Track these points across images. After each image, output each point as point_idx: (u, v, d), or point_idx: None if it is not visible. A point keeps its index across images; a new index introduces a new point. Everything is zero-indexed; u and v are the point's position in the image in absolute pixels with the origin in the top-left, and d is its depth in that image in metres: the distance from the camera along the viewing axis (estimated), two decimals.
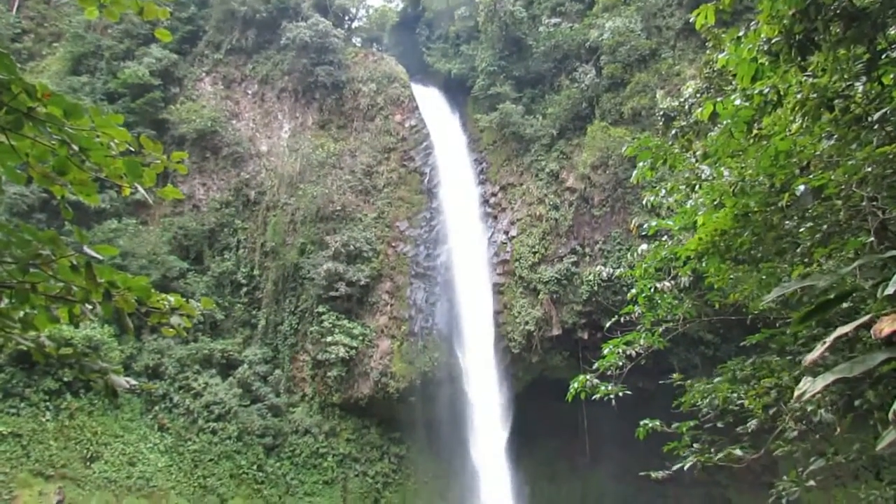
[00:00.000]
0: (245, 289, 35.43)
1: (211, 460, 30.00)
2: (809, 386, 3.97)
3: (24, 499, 24.13)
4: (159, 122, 36.39)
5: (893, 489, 5.43)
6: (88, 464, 26.90)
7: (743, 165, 5.81)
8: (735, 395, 7.58)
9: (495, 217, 33.46)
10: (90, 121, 4.19)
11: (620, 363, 8.62)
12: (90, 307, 4.57)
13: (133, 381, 4.93)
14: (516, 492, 29.87)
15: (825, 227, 5.65)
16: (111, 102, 35.34)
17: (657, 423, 8.76)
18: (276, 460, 31.44)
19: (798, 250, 5.82)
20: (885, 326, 3.59)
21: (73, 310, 4.62)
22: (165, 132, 36.01)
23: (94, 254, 4.43)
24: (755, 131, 5.84)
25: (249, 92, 39.15)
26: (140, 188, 4.64)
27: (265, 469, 30.91)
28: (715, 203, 6.29)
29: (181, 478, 29.06)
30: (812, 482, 6.55)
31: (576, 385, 8.89)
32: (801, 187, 5.33)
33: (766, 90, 5.49)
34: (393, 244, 34.84)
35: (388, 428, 33.42)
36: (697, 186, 6.53)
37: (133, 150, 4.57)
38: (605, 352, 8.68)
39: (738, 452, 7.27)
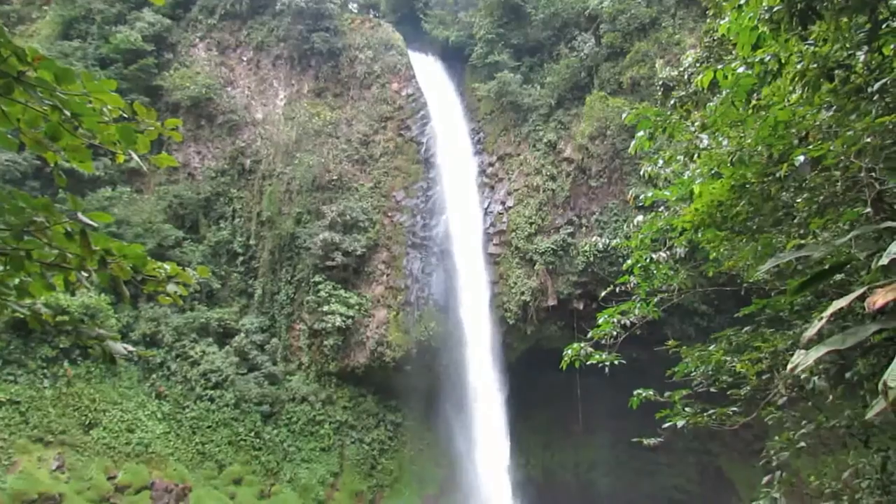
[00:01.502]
0: (241, 258, 35.43)
1: (209, 427, 30.33)
2: (802, 358, 4.01)
3: (24, 464, 24.41)
4: (153, 89, 35.94)
5: (881, 456, 5.53)
6: (87, 430, 27.17)
7: (742, 135, 5.78)
8: (728, 361, 7.66)
9: (492, 187, 33.36)
10: (82, 86, 4.13)
11: (615, 332, 8.67)
12: (86, 275, 4.57)
13: (130, 348, 4.96)
14: (511, 459, 30.32)
15: (822, 197, 5.65)
16: (103, 68, 34.85)
17: (650, 392, 8.85)
18: (274, 427, 31.80)
19: (794, 221, 5.82)
20: (878, 298, 3.61)
21: (68, 277, 4.62)
22: (159, 99, 35.60)
23: (88, 221, 4.41)
24: (754, 101, 5.80)
25: (244, 59, 38.63)
26: (134, 155, 4.60)
27: (263, 436, 31.28)
28: (712, 173, 6.27)
29: (179, 444, 29.41)
30: (803, 443, 6.66)
31: (570, 353, 8.96)
32: (800, 158, 5.31)
33: (767, 58, 5.43)
34: (389, 214, 34.77)
35: (385, 396, 33.77)
36: (696, 156, 6.50)
37: (126, 116, 4.52)
38: (600, 321, 8.73)
39: (730, 411, 7.38)
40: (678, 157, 7.22)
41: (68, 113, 3.96)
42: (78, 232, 4.37)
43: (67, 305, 25.75)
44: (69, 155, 4.47)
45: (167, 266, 4.96)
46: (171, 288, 4.87)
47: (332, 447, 32.23)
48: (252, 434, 31.07)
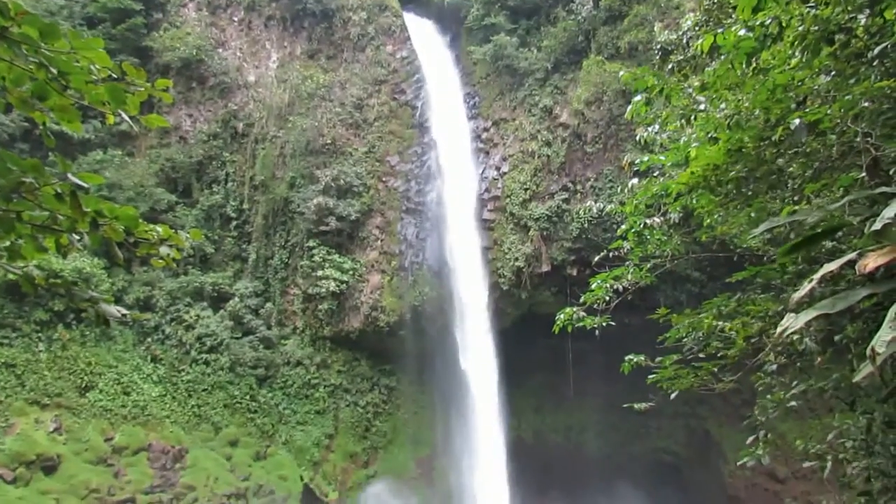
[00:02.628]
0: (235, 222, 35.28)
1: (204, 390, 30.60)
2: (792, 321, 4.04)
3: (22, 426, 24.64)
4: (142, 50, 35.28)
5: (866, 418, 5.64)
6: (83, 393, 27.37)
7: (740, 99, 5.73)
8: (719, 326, 7.73)
9: (487, 153, 33.15)
10: (68, 44, 4.04)
11: (607, 298, 8.72)
12: (77, 237, 4.54)
13: (124, 311, 4.95)
14: (503, 422, 30.76)
15: (817, 163, 5.63)
16: (91, 28, 34.14)
17: (641, 357, 8.94)
18: (269, 391, 32.12)
19: (789, 186, 5.82)
20: (869, 262, 3.63)
21: (60, 240, 4.59)
22: (149, 60, 34.97)
23: (79, 181, 4.37)
24: (753, 65, 5.74)
25: (235, 19, 37.87)
26: (124, 115, 4.53)
27: (258, 399, 31.60)
28: (709, 136, 6.24)
29: (175, 407, 29.69)
30: (793, 403, 6.77)
31: (562, 317, 9.01)
32: (796, 121, 5.28)
33: (768, 21, 5.36)
34: (384, 179, 34.58)
35: (379, 360, 34.07)
36: (693, 118, 6.46)
37: (115, 77, 4.44)
38: (593, 286, 8.77)
39: (714, 369, 7.48)
40: (675, 121, 7.17)
41: (55, 71, 3.88)
42: (68, 193, 4.33)
43: (60, 269, 25.69)
44: (57, 115, 4.40)
45: (159, 228, 4.93)
46: (163, 251, 4.85)
47: (326, 410, 32.62)
48: (247, 397, 31.38)
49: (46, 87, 4.04)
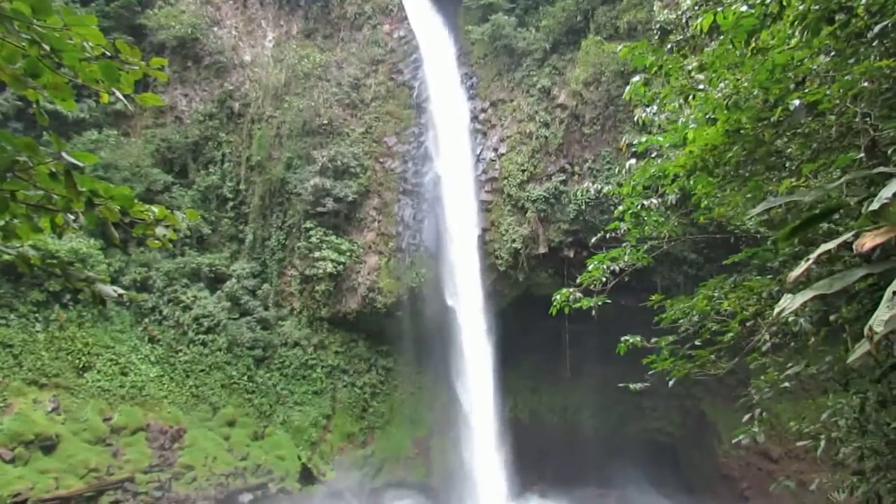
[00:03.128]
0: (231, 203, 35.19)
1: (202, 371, 30.71)
2: (789, 302, 4.05)
3: (20, 406, 24.72)
4: (136, 28, 34.93)
5: (859, 398, 5.68)
6: (81, 373, 27.45)
7: (739, 78, 5.70)
8: (714, 309, 7.76)
9: (484, 134, 33.00)
10: (61, 21, 4.00)
11: (604, 279, 8.73)
12: (73, 217, 4.52)
13: (120, 290, 4.94)
14: (499, 402, 30.96)
15: (816, 144, 5.61)
16: (84, 5, 33.73)
17: (637, 338, 8.97)
18: (266, 371, 32.25)
19: (787, 166, 5.81)
20: (866, 242, 3.63)
21: (55, 219, 4.57)
22: (143, 39, 34.63)
23: (73, 160, 4.34)
24: (753, 44, 5.70)
25: None
26: (118, 93, 4.49)
27: (255, 379, 31.74)
28: (707, 117, 6.21)
29: (173, 387, 29.82)
30: (787, 384, 6.82)
31: (559, 298, 9.03)
32: (796, 102, 5.25)
33: (768, 0, 5.31)
34: (381, 160, 34.44)
35: (376, 341, 34.18)
36: (691, 97, 6.43)
37: (109, 55, 4.40)
38: (590, 267, 8.78)
39: (712, 357, 7.52)
40: (673, 100, 7.14)
41: (47, 48, 3.84)
42: (63, 172, 4.30)
43: (56, 250, 25.64)
44: (50, 93, 4.36)
45: (155, 209, 4.91)
46: (159, 231, 4.83)
47: (324, 391, 32.79)
48: (245, 378, 31.52)
49: (39, 64, 4.00)
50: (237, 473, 28.38)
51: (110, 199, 4.46)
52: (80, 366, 27.55)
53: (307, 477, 30.18)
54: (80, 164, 4.44)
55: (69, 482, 23.70)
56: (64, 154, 4.27)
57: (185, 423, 28.99)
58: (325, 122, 34.65)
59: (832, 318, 5.57)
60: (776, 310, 4.07)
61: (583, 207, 29.46)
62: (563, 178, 30.39)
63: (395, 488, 31.38)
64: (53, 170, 4.29)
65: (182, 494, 26.11)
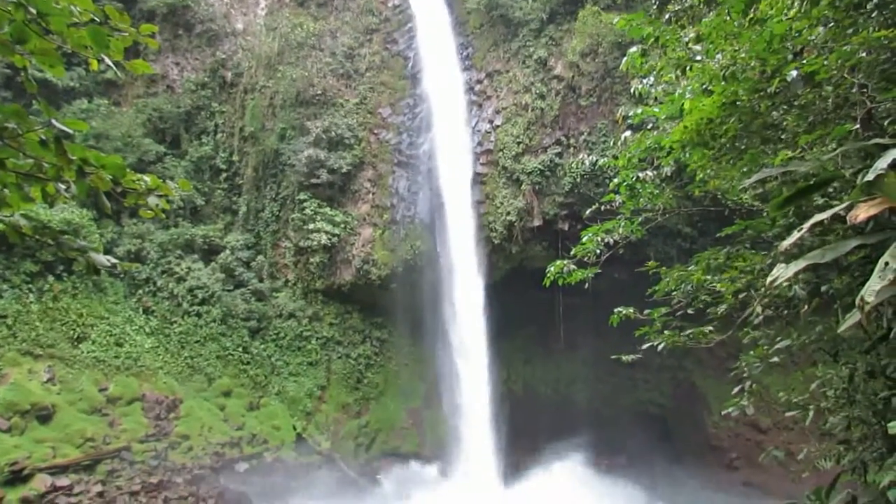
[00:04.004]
0: (225, 174, 34.96)
1: (197, 342, 30.82)
2: (782, 272, 4.07)
3: (15, 376, 24.78)
4: None
5: (848, 368, 5.76)
6: (76, 344, 27.50)
7: (736, 49, 5.65)
8: (708, 280, 7.80)
9: (480, 105, 32.73)
10: None
11: (598, 251, 8.75)
12: (64, 186, 4.48)
13: (113, 260, 4.92)
14: (493, 374, 31.23)
15: (812, 117, 5.59)
16: None
17: (630, 310, 9.02)
18: (261, 342, 32.39)
19: (783, 139, 5.79)
20: (860, 213, 3.64)
21: (46, 188, 4.53)
22: (133, 5, 33.99)
23: (63, 127, 4.29)
24: (751, 15, 5.63)
25: None
26: (108, 60, 4.43)
27: (250, 351, 31.89)
28: (704, 89, 6.17)
29: (168, 358, 29.94)
30: (776, 358, 6.89)
31: (553, 270, 9.04)
32: (793, 72, 5.22)
33: None
34: (375, 131, 34.19)
35: (371, 313, 34.31)
36: (688, 69, 6.37)
37: (98, 20, 4.32)
38: (584, 239, 8.78)
39: (706, 330, 7.58)
40: (670, 71, 7.08)
41: (34, 11, 3.77)
42: (53, 140, 4.25)
43: (48, 220, 25.48)
44: (38, 59, 4.29)
45: (147, 178, 4.87)
46: (152, 201, 4.80)
47: (318, 362, 33.00)
48: (240, 349, 31.66)
49: (26, 29, 3.93)
50: (233, 443, 28.66)
51: (101, 168, 4.41)
52: (75, 336, 27.59)
53: (302, 446, 30.52)
54: (70, 132, 4.40)
55: (66, 451, 23.90)
56: (54, 121, 4.22)
57: (181, 393, 29.18)
58: (319, 92, 34.29)
59: (824, 288, 5.61)
60: (769, 278, 4.09)
61: (578, 180, 29.40)
62: (559, 150, 30.27)
63: (389, 458, 31.79)
64: (43, 137, 4.24)
65: (178, 463, 26.38)
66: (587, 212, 10.15)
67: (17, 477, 21.63)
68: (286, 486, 27.15)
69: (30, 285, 27.00)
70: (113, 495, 23.13)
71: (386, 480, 28.68)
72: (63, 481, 22.64)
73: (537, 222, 30.64)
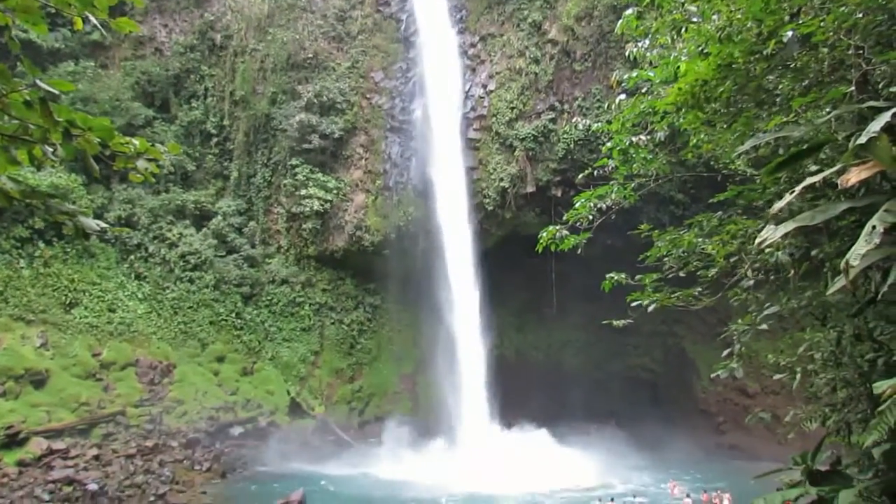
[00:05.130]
0: (215, 139, 34.59)
1: (190, 308, 30.86)
2: (771, 233, 4.09)
3: (8, 342, 24.81)
4: None
5: (836, 332, 5.83)
6: (68, 309, 27.49)
7: (732, 10, 5.57)
8: (700, 244, 7.81)
9: (473, 70, 32.31)
10: None
11: (590, 216, 8.73)
12: (51, 149, 4.40)
13: (103, 224, 4.87)
14: (485, 340, 31.44)
15: (807, 81, 5.54)
16: None
17: (622, 275, 9.04)
18: (254, 308, 32.47)
19: (777, 101, 5.75)
20: (851, 176, 3.64)
21: (32, 151, 4.45)
22: None
23: (48, 88, 4.19)
24: None
25: None
26: (93, 18, 4.31)
27: (244, 316, 31.98)
28: (700, 50, 6.10)
29: (161, 324, 30.00)
30: (765, 326, 6.96)
31: (545, 235, 9.02)
32: (789, 34, 5.16)
33: None
34: (367, 96, 33.79)
35: (364, 279, 34.37)
36: (684, 30, 6.29)
37: None
38: (577, 204, 8.76)
39: (695, 292, 7.61)
40: (665, 33, 6.98)
41: None
42: (38, 101, 4.16)
43: (37, 185, 25.20)
44: (20, 17, 4.18)
45: (136, 141, 4.79)
46: (141, 164, 4.72)
47: (312, 327, 33.16)
48: (233, 314, 31.74)
49: None
50: (227, 407, 28.93)
51: (89, 130, 4.34)
52: (67, 302, 27.57)
53: (296, 411, 30.86)
54: (56, 93, 4.31)
55: (61, 415, 24.07)
56: (38, 82, 4.13)
57: (175, 358, 29.33)
58: (311, 55, 33.77)
59: (814, 253, 5.64)
60: (758, 240, 4.10)
61: (571, 146, 29.27)
62: (553, 116, 30.04)
63: (382, 421, 32.19)
64: (28, 98, 4.15)
65: (173, 427, 26.64)
66: (580, 177, 10.10)
67: (13, 441, 21.81)
68: (281, 450, 27.52)
69: (20, 251, 26.85)
70: (109, 458, 23.37)
71: (379, 443, 29.08)
72: (59, 444, 22.85)
73: (530, 189, 30.56)
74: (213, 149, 34.50)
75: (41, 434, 22.81)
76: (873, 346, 5.23)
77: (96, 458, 23.11)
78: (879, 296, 4.37)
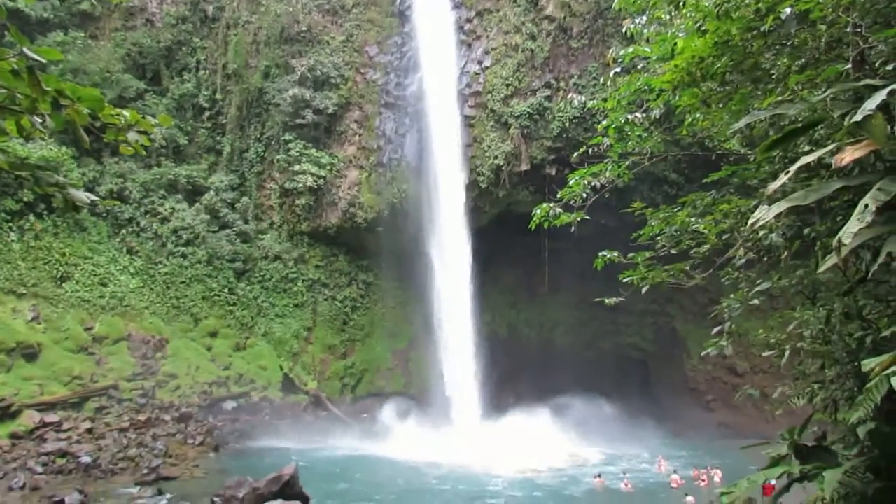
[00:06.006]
0: (208, 113, 34.24)
1: (182, 283, 30.80)
2: (764, 213, 4.09)
3: None
4: None
5: (826, 310, 5.88)
6: (59, 283, 27.38)
7: None
8: (693, 222, 7.81)
9: (469, 45, 31.99)
10: None
11: (584, 194, 8.71)
12: (39, 119, 4.34)
13: (93, 197, 4.83)
14: (478, 317, 31.59)
15: (803, 59, 5.51)
16: None
17: (615, 254, 9.05)
18: (247, 284, 32.43)
19: (773, 76, 5.73)
20: (846, 155, 3.63)
21: (21, 121, 4.39)
22: None
23: (36, 56, 4.11)
24: None
25: None
26: None
27: (236, 292, 31.96)
28: (697, 26, 6.05)
29: (154, 298, 29.95)
30: (756, 301, 7.00)
31: (539, 213, 9.01)
32: (787, 10, 5.12)
33: None
34: (362, 71, 33.45)
35: (357, 256, 34.35)
36: (681, 4, 6.23)
37: None
38: (571, 182, 8.73)
39: (687, 267, 7.62)
40: (663, 8, 6.91)
41: None
42: (25, 70, 4.08)
43: (26, 157, 24.94)
44: None
45: (126, 113, 4.72)
46: (132, 136, 4.66)
47: (304, 304, 33.18)
48: (226, 290, 31.70)
49: None
50: (220, 382, 29.05)
51: (78, 101, 4.27)
52: (59, 276, 27.44)
53: (289, 386, 31.01)
54: (44, 61, 4.23)
55: (53, 389, 24.10)
56: (25, 50, 4.05)
57: (167, 333, 29.34)
58: (304, 28, 33.34)
59: (806, 231, 5.66)
60: (751, 220, 4.10)
61: (566, 124, 29.14)
62: (548, 93, 29.86)
63: (375, 397, 32.42)
64: (16, 67, 4.08)
65: (166, 402, 26.74)
66: (575, 155, 10.05)
67: (6, 413, 21.85)
68: (273, 425, 27.69)
69: (10, 224, 26.63)
70: (102, 431, 23.48)
71: (371, 419, 29.32)
72: (52, 418, 22.92)
73: (525, 167, 30.47)
74: (205, 123, 34.18)
75: (34, 407, 22.85)
76: (862, 325, 5.28)
77: (89, 431, 23.21)
78: (870, 275, 4.39)
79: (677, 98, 7.35)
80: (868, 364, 3.68)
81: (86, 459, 20.82)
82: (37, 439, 21.75)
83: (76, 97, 4.32)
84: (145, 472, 20.80)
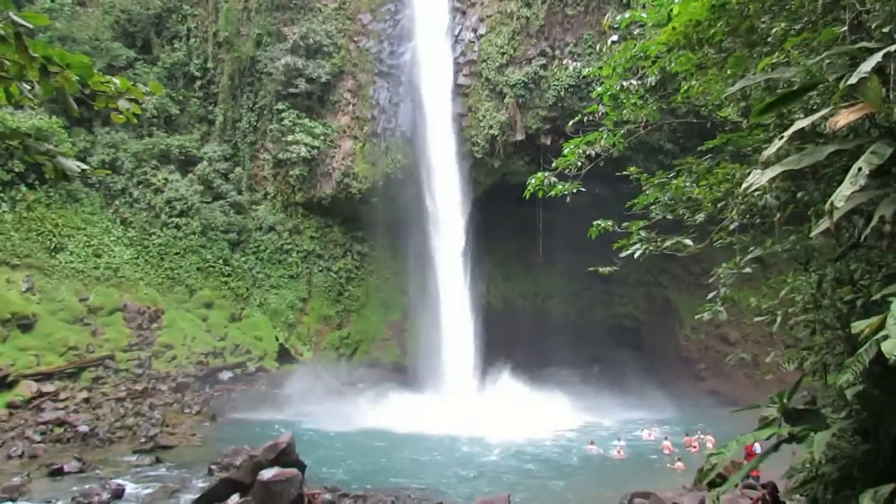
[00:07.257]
0: (199, 82, 33.83)
1: (177, 254, 30.75)
2: (758, 177, 4.10)
3: None
4: None
5: (818, 275, 5.92)
6: (53, 254, 27.31)
7: None
8: (687, 188, 7.82)
9: (464, 13, 31.52)
10: None
11: (579, 164, 8.68)
12: (28, 87, 4.28)
13: (83, 165, 4.78)
14: (473, 288, 31.69)
15: (800, 25, 5.46)
16: None
17: (609, 223, 9.05)
18: (242, 255, 32.41)
19: (769, 41, 5.69)
20: (840, 118, 3.62)
21: (9, 88, 4.33)
22: None
23: (22, 21, 4.04)
24: None
25: None
26: None
27: (231, 263, 31.95)
28: None
29: (148, 269, 29.93)
30: (748, 269, 7.04)
31: (534, 182, 8.99)
32: None
33: None
34: (355, 39, 32.99)
35: (351, 227, 34.28)
36: None
37: None
38: (566, 151, 8.70)
39: (687, 242, 7.64)
40: None
41: None
42: (12, 35, 4.02)
43: (16, 127, 24.64)
44: None
45: (117, 80, 4.66)
46: (122, 104, 4.61)
47: (300, 275, 33.21)
48: (220, 261, 31.68)
49: None
50: (216, 353, 29.18)
51: (67, 67, 4.21)
52: (52, 247, 27.37)
53: (285, 357, 31.19)
54: (30, 26, 4.16)
55: (49, 359, 24.19)
56: (11, 15, 3.98)
57: (163, 304, 29.38)
58: None
59: (800, 195, 5.67)
60: (745, 184, 4.11)
61: (562, 94, 28.90)
62: (544, 62, 29.55)
63: (370, 368, 32.64)
64: (2, 33, 4.01)
65: (162, 372, 26.89)
66: (570, 124, 9.99)
67: (3, 383, 21.97)
68: (270, 394, 27.90)
69: (2, 194, 26.45)
70: (99, 401, 23.64)
71: (367, 389, 29.55)
72: (49, 388, 23.05)
73: (520, 136, 30.28)
74: (197, 92, 33.78)
75: (30, 377, 22.96)
76: (853, 290, 5.32)
77: (86, 400, 23.37)
78: (862, 239, 4.42)
79: (673, 64, 7.30)
80: (857, 326, 3.72)
81: (83, 428, 20.99)
82: (34, 409, 21.92)
83: (65, 63, 4.26)
84: (143, 440, 21.01)
